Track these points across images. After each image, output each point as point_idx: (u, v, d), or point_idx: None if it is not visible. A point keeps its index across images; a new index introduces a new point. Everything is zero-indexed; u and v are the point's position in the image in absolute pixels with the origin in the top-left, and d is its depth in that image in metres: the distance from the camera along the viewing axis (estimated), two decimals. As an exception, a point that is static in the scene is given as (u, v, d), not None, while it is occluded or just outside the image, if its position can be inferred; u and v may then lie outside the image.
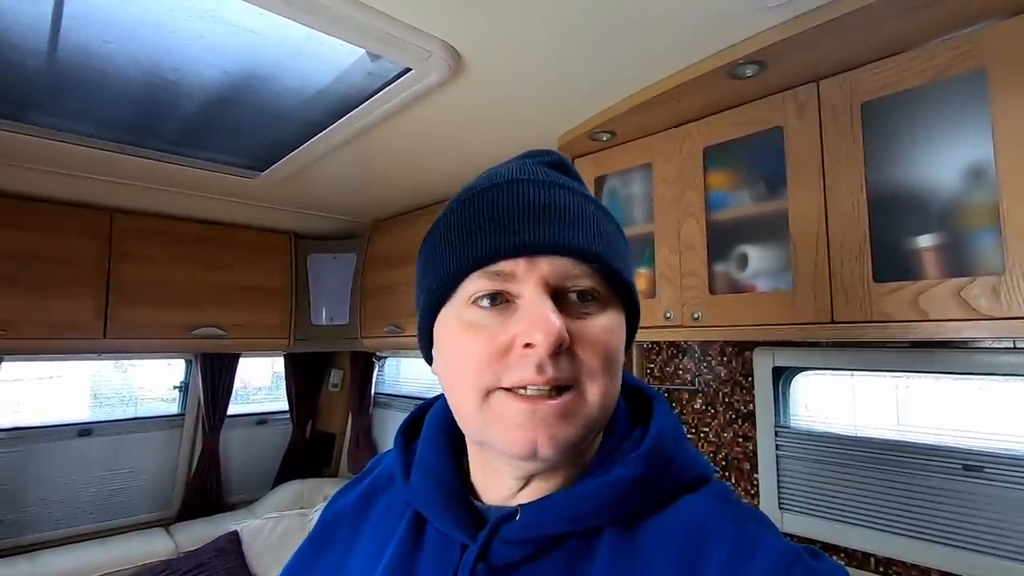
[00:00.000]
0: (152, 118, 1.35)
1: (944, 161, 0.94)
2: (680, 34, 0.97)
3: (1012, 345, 1.01)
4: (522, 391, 0.42)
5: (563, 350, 0.42)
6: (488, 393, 0.43)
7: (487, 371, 0.43)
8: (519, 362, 0.42)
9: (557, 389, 0.43)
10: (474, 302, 0.45)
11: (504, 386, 0.43)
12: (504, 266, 0.43)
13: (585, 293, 0.45)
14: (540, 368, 0.41)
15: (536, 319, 0.41)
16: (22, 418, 2.12)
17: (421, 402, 0.60)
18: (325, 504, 0.63)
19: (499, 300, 0.44)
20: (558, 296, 0.44)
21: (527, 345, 0.41)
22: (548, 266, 0.43)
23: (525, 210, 0.44)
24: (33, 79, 1.15)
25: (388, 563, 0.49)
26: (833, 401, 1.28)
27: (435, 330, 0.49)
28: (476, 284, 0.44)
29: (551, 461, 0.44)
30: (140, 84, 1.17)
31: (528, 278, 0.43)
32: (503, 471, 0.48)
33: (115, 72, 1.13)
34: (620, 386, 0.48)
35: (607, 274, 0.46)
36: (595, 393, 0.44)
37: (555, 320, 0.41)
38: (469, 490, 0.51)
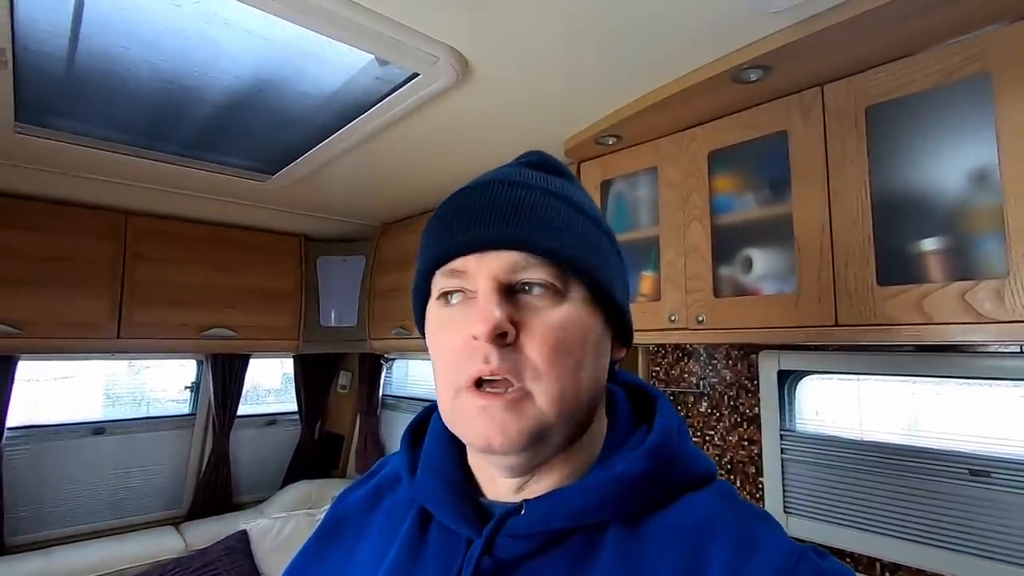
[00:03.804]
0: (167, 122, 1.38)
1: (948, 165, 0.94)
2: (685, 39, 0.98)
3: (1019, 349, 1.01)
4: (480, 387, 0.44)
5: (508, 341, 0.43)
6: (458, 390, 0.45)
7: (454, 367, 0.45)
8: (472, 354, 0.44)
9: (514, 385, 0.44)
10: (441, 300, 0.48)
11: (465, 383, 0.44)
12: (457, 263, 0.46)
13: (538, 286, 0.45)
14: (486, 359, 0.43)
15: (479, 311, 0.43)
16: (39, 416, 2.16)
17: (429, 404, 0.61)
18: (332, 503, 0.64)
19: (462, 297, 0.47)
20: (512, 290, 0.45)
21: (475, 338, 0.43)
22: (496, 261, 0.44)
23: (482, 209, 0.46)
24: (52, 85, 1.18)
25: (393, 558, 0.50)
26: (839, 405, 1.28)
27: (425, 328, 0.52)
28: (440, 283, 0.47)
29: (509, 455, 0.45)
30: (156, 89, 1.20)
31: (479, 273, 0.45)
32: (493, 470, 0.49)
33: (132, 78, 1.15)
34: (589, 382, 0.46)
35: (565, 266, 0.45)
36: (543, 390, 0.43)
37: (493, 311, 0.42)
38: (474, 487, 0.52)
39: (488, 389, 0.44)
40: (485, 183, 0.48)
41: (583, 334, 0.45)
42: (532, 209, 0.45)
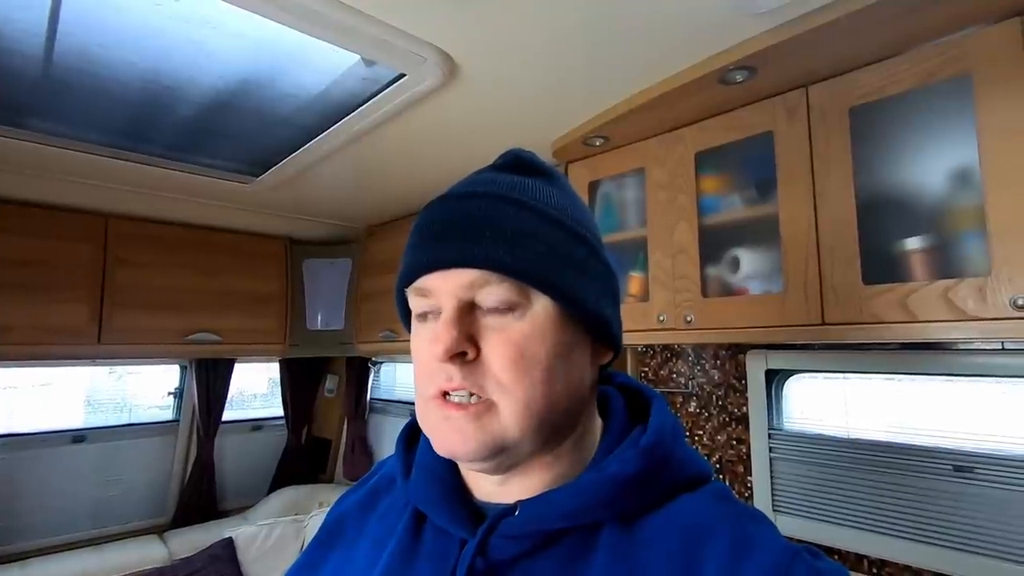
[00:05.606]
0: (148, 123, 1.36)
1: (931, 165, 0.96)
2: (672, 40, 0.99)
3: (1000, 346, 1.02)
4: (446, 398, 0.45)
5: (470, 359, 0.44)
6: (427, 400, 0.47)
7: (424, 378, 0.47)
8: (438, 371, 0.45)
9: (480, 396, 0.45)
10: (416, 316, 0.49)
11: (431, 394, 0.46)
12: (422, 283, 0.47)
13: (500, 302, 0.45)
14: (449, 376, 0.45)
15: (437, 333, 0.45)
16: (16, 424, 2.11)
17: None
18: (330, 507, 0.65)
19: (431, 314, 0.48)
20: (475, 305, 0.46)
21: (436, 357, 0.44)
22: (456, 279, 0.45)
23: (444, 226, 0.46)
24: (29, 84, 1.16)
25: (387, 560, 0.50)
26: (825, 403, 1.29)
27: None
28: (412, 300, 0.49)
29: (473, 462, 0.46)
30: (136, 90, 1.18)
31: (443, 292, 0.46)
32: (474, 470, 0.50)
33: (112, 78, 1.13)
34: (560, 392, 0.45)
35: (524, 279, 0.45)
36: (509, 406, 0.44)
37: (445, 331, 0.44)
38: (466, 488, 0.52)
39: (454, 399, 0.45)
40: (449, 196, 0.49)
41: (547, 346, 0.45)
42: (490, 223, 0.45)
